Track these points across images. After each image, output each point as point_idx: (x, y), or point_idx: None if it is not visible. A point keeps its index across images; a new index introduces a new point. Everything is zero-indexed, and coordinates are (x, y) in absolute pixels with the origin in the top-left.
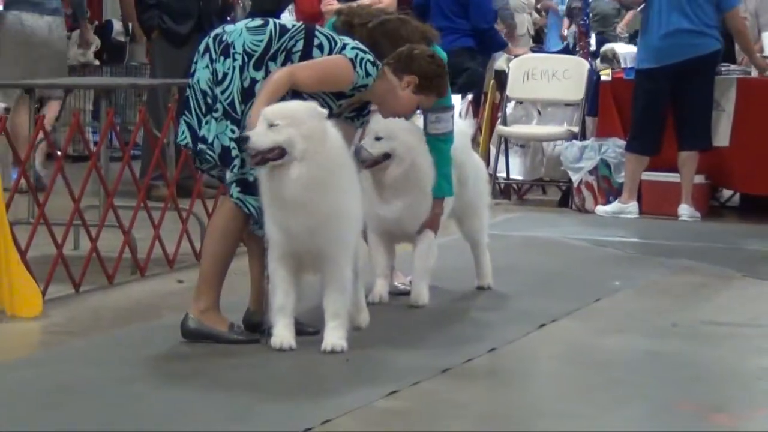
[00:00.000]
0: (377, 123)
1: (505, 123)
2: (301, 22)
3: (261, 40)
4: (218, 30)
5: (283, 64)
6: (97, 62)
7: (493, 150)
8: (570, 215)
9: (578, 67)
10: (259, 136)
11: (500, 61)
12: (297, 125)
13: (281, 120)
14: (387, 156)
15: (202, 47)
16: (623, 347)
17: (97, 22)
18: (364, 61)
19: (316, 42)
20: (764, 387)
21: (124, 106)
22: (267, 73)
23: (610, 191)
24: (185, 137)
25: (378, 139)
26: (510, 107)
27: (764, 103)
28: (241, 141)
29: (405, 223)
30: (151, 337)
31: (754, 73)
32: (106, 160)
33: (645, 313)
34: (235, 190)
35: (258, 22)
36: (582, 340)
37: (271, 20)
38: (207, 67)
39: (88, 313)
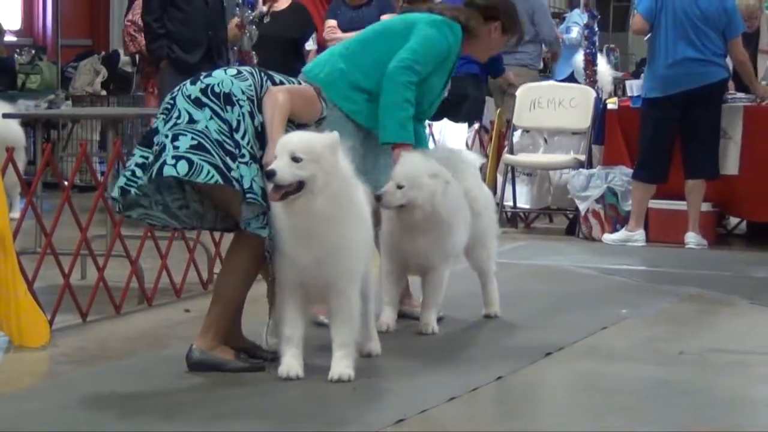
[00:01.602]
0: (401, 169)
1: (511, 151)
2: (249, 67)
3: (251, 85)
4: (201, 83)
5: None
6: (104, 92)
7: (500, 178)
8: (577, 243)
9: (585, 95)
10: (284, 172)
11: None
12: (319, 161)
13: (305, 155)
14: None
15: (191, 97)
16: (631, 375)
17: (104, 52)
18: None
19: (276, 80)
20: None
21: (131, 136)
22: None
23: (617, 219)
24: (213, 176)
25: (400, 187)
26: (517, 136)
27: None
28: (268, 175)
29: (425, 257)
30: (158, 367)
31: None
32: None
33: (652, 341)
34: (255, 224)
35: (233, 70)
36: (589, 369)
37: (239, 68)
38: (212, 118)
39: (96, 342)
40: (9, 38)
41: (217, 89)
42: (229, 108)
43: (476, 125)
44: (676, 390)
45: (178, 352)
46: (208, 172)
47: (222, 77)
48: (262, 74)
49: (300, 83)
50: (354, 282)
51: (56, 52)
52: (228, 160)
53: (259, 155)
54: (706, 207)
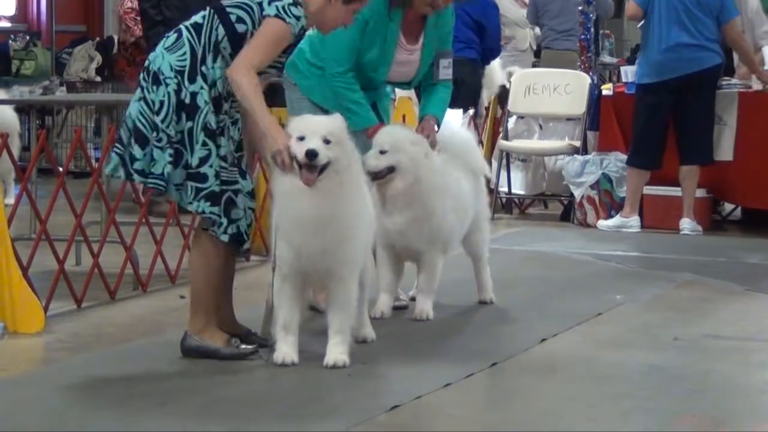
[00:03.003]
0: (382, 135)
1: (506, 138)
2: (208, 8)
3: (184, 54)
4: (146, 62)
5: (215, 59)
6: (98, 78)
7: (494, 164)
8: (572, 230)
9: (579, 81)
10: (323, 152)
11: (501, 77)
12: (342, 143)
13: (333, 137)
14: (391, 169)
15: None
16: (625, 361)
17: (98, 38)
18: (286, 8)
19: (233, 18)
20: (767, 400)
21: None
22: (205, 79)
23: (612, 205)
24: (115, 168)
25: (383, 152)
26: (512, 122)
27: (766, 117)
28: (309, 156)
29: (409, 238)
30: (153, 352)
31: (756, 86)
32: (108, 176)
33: (647, 327)
34: (205, 205)
35: (173, 37)
36: (584, 354)
37: (182, 27)
38: (139, 100)
39: (90, 328)
40: (3, 24)
41: (150, 67)
42: (154, 88)
43: (471, 111)
44: (670, 376)
45: (173, 338)
46: (114, 167)
47: (156, 53)
48: (211, 22)
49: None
50: (355, 270)
51: (51, 38)
52: (136, 149)
53: (177, 131)
54: (700, 193)
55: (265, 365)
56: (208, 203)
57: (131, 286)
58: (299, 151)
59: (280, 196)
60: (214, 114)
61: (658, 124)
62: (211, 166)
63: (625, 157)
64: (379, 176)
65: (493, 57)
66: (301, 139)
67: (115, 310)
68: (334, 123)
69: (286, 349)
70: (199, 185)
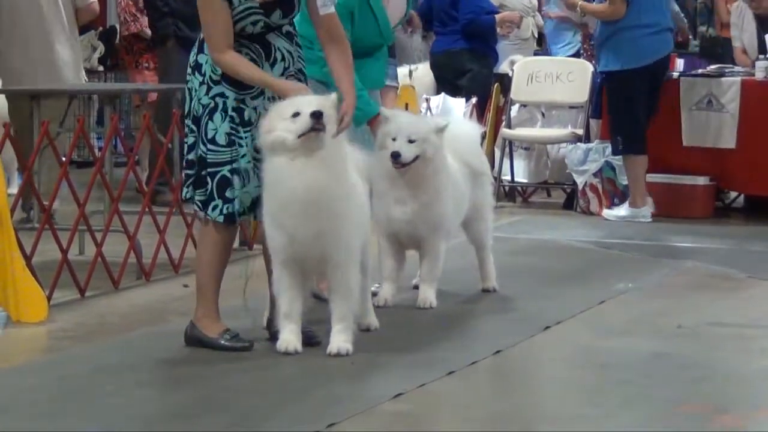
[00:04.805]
0: (410, 125)
1: (509, 126)
2: None
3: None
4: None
5: (201, 45)
6: (101, 68)
7: (497, 153)
8: (575, 218)
9: (582, 69)
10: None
11: (504, 65)
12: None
13: (325, 110)
14: (415, 158)
15: None
16: (628, 349)
17: (101, 28)
18: None
19: None
20: None
21: (128, 112)
22: (198, 68)
23: (615, 193)
24: None
25: (411, 141)
26: (514, 110)
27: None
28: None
29: (416, 225)
30: (156, 342)
31: (759, 75)
32: (111, 165)
33: (650, 315)
34: (193, 192)
35: None
36: (587, 343)
37: None
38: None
39: (94, 318)
40: None
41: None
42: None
43: (473, 100)
44: (673, 364)
45: (177, 328)
46: None
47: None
48: None
49: None
50: (353, 255)
51: None
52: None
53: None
54: (704, 180)
55: (269, 354)
56: (195, 188)
57: (134, 276)
58: (295, 128)
59: (269, 180)
60: (203, 98)
61: (646, 107)
62: (196, 152)
63: None
64: (407, 164)
65: (475, 29)
66: (296, 115)
67: (118, 299)
68: (327, 100)
69: (289, 338)
70: (188, 171)
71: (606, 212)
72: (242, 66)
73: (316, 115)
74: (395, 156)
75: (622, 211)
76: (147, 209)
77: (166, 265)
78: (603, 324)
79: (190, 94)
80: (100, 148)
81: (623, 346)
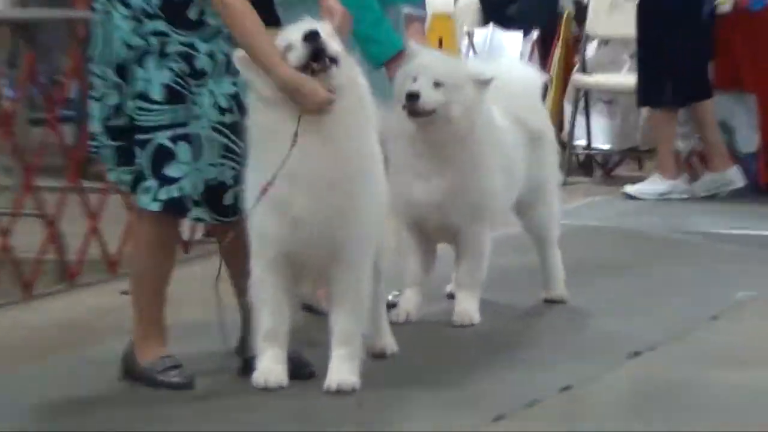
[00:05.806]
0: (438, 65)
1: (584, 70)
2: None
3: None
4: None
5: None
6: None
7: (568, 108)
8: None
9: None
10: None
11: None
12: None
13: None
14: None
15: None
16: (747, 385)
17: None
18: None
19: None
20: None
21: (52, 50)
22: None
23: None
24: None
25: (438, 84)
26: (591, 49)
27: None
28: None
29: (447, 210)
30: (83, 371)
31: None
32: (25, 123)
33: None
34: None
35: None
36: (690, 377)
37: None
38: None
39: None
40: None
41: None
42: None
43: (535, 33)
44: None
45: (111, 352)
46: None
47: None
48: None
49: None
50: (368, 253)
51: None
52: None
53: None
54: None
55: (244, 389)
56: (119, 164)
57: (55, 278)
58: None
59: (261, 144)
60: (130, 37)
61: None
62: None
63: (752, 96)
64: (425, 114)
65: None
66: (289, 49)
67: (31, 310)
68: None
69: (270, 367)
70: (111, 143)
71: (629, 188)
72: (249, 20)
73: (312, 37)
74: (411, 97)
75: (653, 185)
76: (74, 185)
77: (100, 263)
78: (713, 350)
79: (105, 32)
80: (10, 99)
81: (739, 381)
